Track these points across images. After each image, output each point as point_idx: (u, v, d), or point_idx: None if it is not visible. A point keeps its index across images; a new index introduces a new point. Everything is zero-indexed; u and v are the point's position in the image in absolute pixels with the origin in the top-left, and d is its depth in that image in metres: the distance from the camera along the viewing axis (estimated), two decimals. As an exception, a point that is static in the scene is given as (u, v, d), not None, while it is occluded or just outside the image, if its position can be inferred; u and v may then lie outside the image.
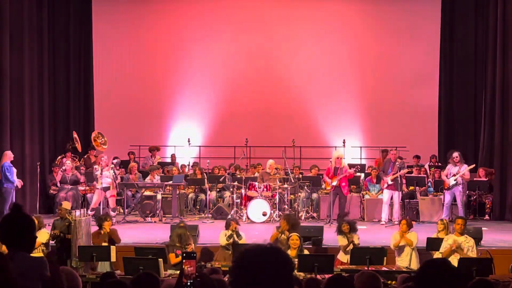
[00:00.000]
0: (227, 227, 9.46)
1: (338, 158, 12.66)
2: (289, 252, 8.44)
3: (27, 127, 13.90)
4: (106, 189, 12.54)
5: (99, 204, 12.50)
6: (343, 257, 9.04)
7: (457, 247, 8.48)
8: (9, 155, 12.54)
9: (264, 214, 12.42)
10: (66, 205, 9.87)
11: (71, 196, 12.96)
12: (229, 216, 11.85)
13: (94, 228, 10.28)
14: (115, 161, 13.28)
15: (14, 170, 12.54)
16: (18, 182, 12.36)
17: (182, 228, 9.03)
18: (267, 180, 13.12)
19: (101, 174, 12.52)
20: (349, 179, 12.79)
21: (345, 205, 12.60)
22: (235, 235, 9.36)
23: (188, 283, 2.97)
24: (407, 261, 8.95)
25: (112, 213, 12.55)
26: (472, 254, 8.48)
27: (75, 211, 9.56)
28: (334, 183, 12.43)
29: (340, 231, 9.33)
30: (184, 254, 3.08)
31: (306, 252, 8.62)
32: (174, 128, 16.88)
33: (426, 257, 9.10)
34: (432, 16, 16.32)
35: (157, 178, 13.81)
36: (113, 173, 12.71)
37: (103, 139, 13.40)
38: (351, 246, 9.07)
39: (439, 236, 9.10)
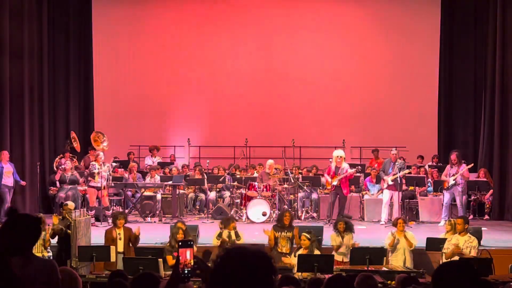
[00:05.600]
0: (226, 225, 9.42)
1: (338, 157, 12.64)
2: (300, 251, 8.51)
3: (27, 127, 13.90)
4: (99, 188, 12.50)
5: (99, 204, 12.49)
6: (337, 256, 9.01)
7: (459, 251, 8.48)
8: (4, 155, 12.54)
9: (264, 214, 12.42)
10: (71, 205, 9.82)
11: (71, 196, 12.94)
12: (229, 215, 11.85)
13: (94, 229, 10.30)
14: (114, 164, 13.28)
15: (8, 170, 12.54)
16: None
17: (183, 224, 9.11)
18: (266, 180, 13.11)
19: (99, 172, 12.50)
20: (349, 179, 12.79)
21: (345, 205, 12.60)
22: (233, 234, 9.33)
23: (186, 271, 2.86)
24: (402, 260, 8.94)
25: (107, 212, 12.55)
26: (472, 253, 8.48)
27: (75, 211, 9.55)
28: (335, 183, 12.43)
29: (335, 229, 9.36)
30: (180, 243, 2.89)
31: (317, 252, 8.62)
32: (174, 128, 16.88)
33: (423, 257, 9.11)
34: (432, 16, 16.32)
35: (157, 178, 13.81)
36: (108, 171, 12.70)
37: (104, 138, 13.35)
38: (343, 249, 9.06)
39: (447, 237, 9.12)
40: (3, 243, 3.40)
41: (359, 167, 13.57)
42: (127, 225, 9.48)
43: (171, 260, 8.57)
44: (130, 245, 9.21)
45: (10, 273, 2.89)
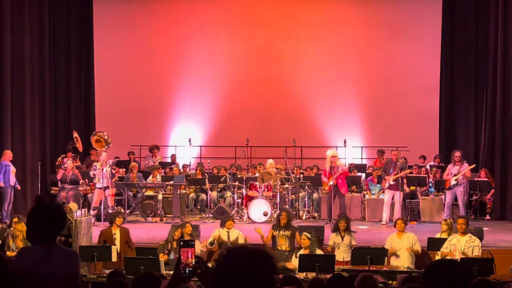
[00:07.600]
0: (222, 225, 9.46)
1: (332, 157, 12.58)
2: (301, 251, 8.52)
3: (28, 127, 13.90)
4: (105, 188, 12.50)
5: (100, 204, 12.48)
6: (339, 256, 9.01)
7: (462, 253, 8.45)
8: (7, 155, 12.53)
9: (265, 214, 12.42)
10: (73, 205, 9.82)
11: (72, 196, 12.93)
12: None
13: (95, 228, 10.27)
14: (111, 161, 13.25)
15: (13, 169, 12.53)
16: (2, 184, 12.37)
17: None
18: (268, 180, 13.09)
19: (102, 171, 12.48)
20: (346, 177, 12.70)
21: (344, 204, 12.49)
22: (229, 234, 9.29)
23: (187, 271, 2.86)
24: (403, 260, 8.92)
25: (110, 211, 12.52)
26: (476, 252, 8.45)
27: (76, 211, 9.53)
28: (331, 183, 12.36)
29: (336, 228, 9.34)
30: (182, 243, 2.89)
31: (319, 252, 8.63)
32: (175, 128, 16.88)
33: (424, 257, 9.10)
34: (433, 16, 16.32)
35: (158, 178, 13.81)
36: (110, 171, 12.67)
37: (105, 135, 13.29)
38: (343, 248, 9.06)
39: (443, 237, 9.08)
40: (29, 229, 3.45)
41: (353, 163, 13.54)
42: (126, 225, 9.47)
43: (162, 257, 8.57)
44: (128, 246, 9.20)
45: (5, 269, 2.88)
